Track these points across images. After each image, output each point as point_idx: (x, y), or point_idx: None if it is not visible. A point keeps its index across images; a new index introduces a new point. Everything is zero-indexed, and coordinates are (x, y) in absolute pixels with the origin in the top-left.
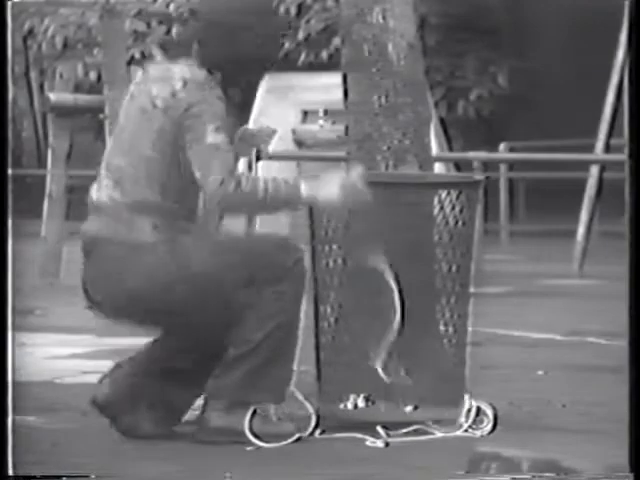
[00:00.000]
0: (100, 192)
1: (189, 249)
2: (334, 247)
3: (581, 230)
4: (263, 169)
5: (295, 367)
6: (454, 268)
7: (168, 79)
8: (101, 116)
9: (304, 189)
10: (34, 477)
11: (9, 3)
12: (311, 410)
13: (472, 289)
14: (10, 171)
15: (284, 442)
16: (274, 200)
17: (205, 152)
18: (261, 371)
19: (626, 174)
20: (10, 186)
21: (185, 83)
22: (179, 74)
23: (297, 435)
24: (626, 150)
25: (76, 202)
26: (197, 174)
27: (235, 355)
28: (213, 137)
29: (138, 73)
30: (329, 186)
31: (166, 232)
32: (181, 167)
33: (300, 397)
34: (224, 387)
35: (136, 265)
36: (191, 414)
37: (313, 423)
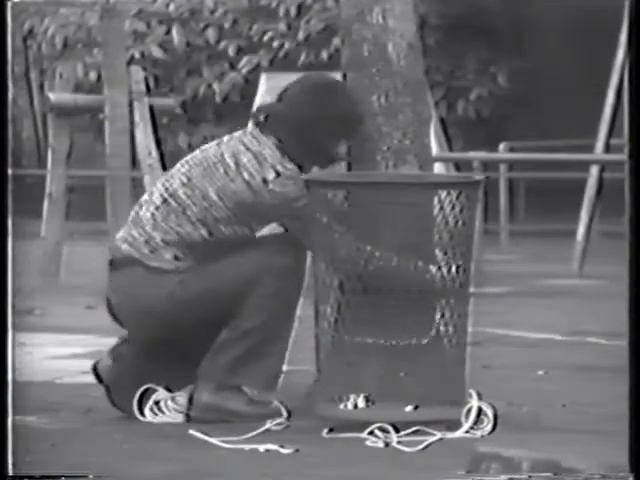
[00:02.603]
0: (148, 205)
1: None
2: None
3: (581, 230)
4: None
5: (286, 359)
6: (454, 268)
7: (259, 157)
8: (101, 116)
9: None
10: (34, 477)
11: (9, 3)
12: (276, 403)
13: (472, 289)
14: (10, 171)
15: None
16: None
17: (326, 240)
18: (250, 357)
19: (626, 174)
20: (10, 186)
21: (277, 175)
22: (271, 162)
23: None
24: (626, 150)
25: (76, 202)
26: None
27: (226, 339)
28: (324, 220)
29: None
30: None
31: (186, 261)
32: (240, 227)
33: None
34: (214, 369)
35: (154, 289)
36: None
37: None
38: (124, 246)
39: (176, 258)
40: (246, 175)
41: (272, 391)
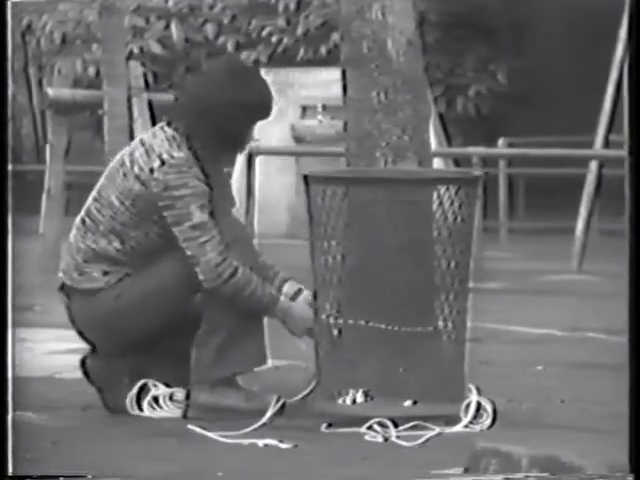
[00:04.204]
0: (73, 229)
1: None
2: (333, 244)
3: (580, 226)
4: (262, 164)
5: (265, 334)
6: (453, 264)
7: (149, 149)
8: (100, 112)
9: (281, 306)
10: (34, 477)
11: (9, 3)
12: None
13: (471, 285)
14: (10, 168)
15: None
16: (253, 303)
17: (193, 231)
18: (230, 344)
19: (626, 171)
20: (10, 183)
21: (162, 163)
22: (157, 151)
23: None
24: (626, 147)
25: (75, 198)
26: (187, 252)
27: (203, 333)
28: (199, 216)
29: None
30: (300, 318)
31: (116, 273)
32: (147, 226)
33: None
34: (202, 367)
35: (97, 310)
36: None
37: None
38: (60, 275)
39: (105, 273)
40: (137, 169)
41: (260, 365)
